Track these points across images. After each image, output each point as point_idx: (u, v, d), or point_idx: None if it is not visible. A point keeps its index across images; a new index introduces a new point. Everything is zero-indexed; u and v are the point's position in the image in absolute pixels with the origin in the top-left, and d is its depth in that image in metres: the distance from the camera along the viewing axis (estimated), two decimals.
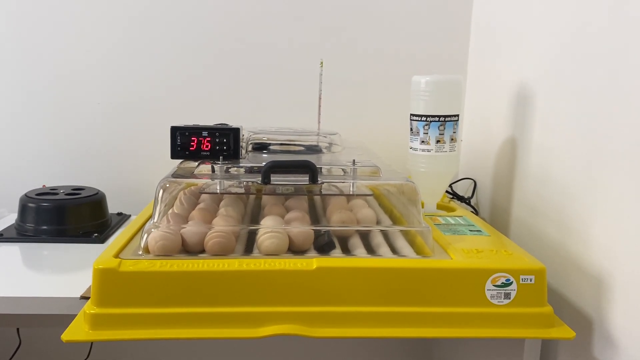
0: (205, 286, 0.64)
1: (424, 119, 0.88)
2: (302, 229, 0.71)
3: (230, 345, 1.28)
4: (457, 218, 0.87)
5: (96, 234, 1.00)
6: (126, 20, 1.16)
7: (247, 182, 0.82)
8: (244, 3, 1.16)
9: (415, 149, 0.90)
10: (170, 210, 0.77)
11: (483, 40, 1.13)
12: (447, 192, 1.07)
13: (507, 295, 0.66)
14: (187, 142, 0.81)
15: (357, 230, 0.76)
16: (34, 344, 1.25)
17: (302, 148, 0.93)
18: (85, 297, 0.73)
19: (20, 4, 1.14)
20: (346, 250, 0.73)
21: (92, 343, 1.17)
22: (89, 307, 0.63)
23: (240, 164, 0.81)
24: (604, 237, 0.70)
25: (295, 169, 0.75)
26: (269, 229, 0.70)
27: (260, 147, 0.91)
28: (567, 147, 0.79)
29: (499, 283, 0.66)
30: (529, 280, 0.66)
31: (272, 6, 1.16)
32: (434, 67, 1.19)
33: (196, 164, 0.81)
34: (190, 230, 0.70)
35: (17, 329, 1.19)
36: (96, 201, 1.05)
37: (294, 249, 0.71)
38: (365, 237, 0.76)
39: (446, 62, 1.19)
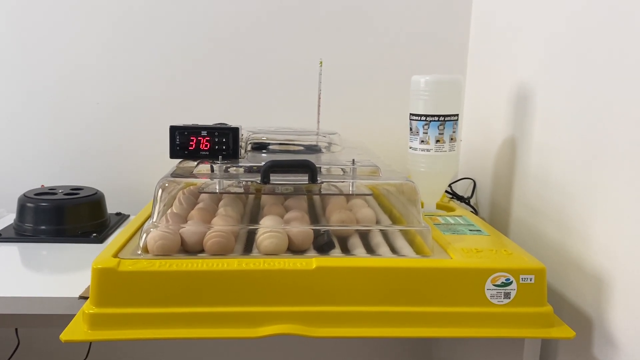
0: (204, 286, 0.64)
1: (423, 118, 0.88)
2: (301, 228, 0.71)
3: (230, 345, 1.28)
4: (456, 218, 0.87)
5: (95, 234, 1.00)
6: (125, 20, 1.15)
7: (247, 181, 0.82)
8: (244, 3, 1.16)
9: (415, 149, 0.90)
10: (169, 210, 0.77)
11: (483, 40, 1.13)
12: (446, 192, 1.07)
13: (507, 295, 0.66)
14: (186, 142, 0.81)
15: (357, 230, 0.76)
16: (32, 344, 1.25)
17: (301, 148, 0.93)
18: (84, 297, 0.73)
19: (19, 3, 1.14)
20: (346, 250, 0.72)
21: (90, 343, 1.17)
22: (87, 307, 0.63)
23: (240, 164, 0.81)
24: (604, 237, 0.70)
25: (295, 169, 0.74)
26: (268, 229, 0.70)
27: (260, 146, 0.91)
28: (567, 147, 0.79)
29: (498, 283, 0.66)
30: (528, 279, 0.66)
31: (271, 5, 1.16)
32: (433, 66, 1.19)
33: (195, 163, 0.81)
34: (190, 229, 0.69)
35: (16, 329, 1.19)
36: (95, 201, 1.04)
37: (294, 249, 0.71)
38: (364, 236, 0.76)
39: (446, 61, 1.19)
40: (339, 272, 0.65)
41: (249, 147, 0.90)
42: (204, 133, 0.81)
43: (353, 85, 1.20)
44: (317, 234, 0.72)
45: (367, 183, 0.82)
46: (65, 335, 0.61)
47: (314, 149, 0.92)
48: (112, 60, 1.17)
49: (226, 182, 0.79)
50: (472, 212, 1.00)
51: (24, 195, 1.02)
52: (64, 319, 0.65)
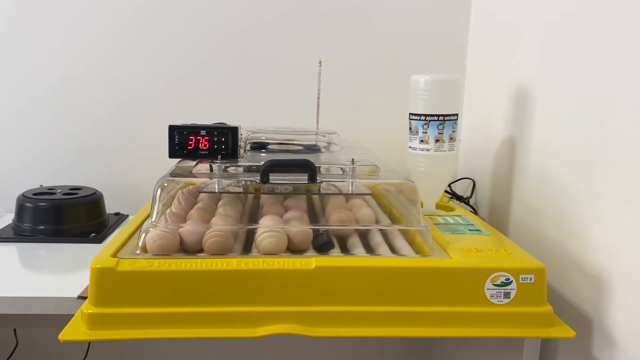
0: (203, 286, 0.63)
1: (423, 118, 0.88)
2: (301, 228, 0.71)
3: (229, 345, 1.28)
4: (456, 217, 0.87)
5: (94, 234, 0.99)
6: (123, 19, 1.15)
7: (246, 181, 0.82)
8: (243, 2, 1.16)
9: (415, 149, 0.90)
10: (168, 210, 0.77)
11: (482, 39, 1.13)
12: (446, 191, 1.07)
13: (506, 295, 0.66)
14: (185, 141, 0.81)
15: (356, 230, 0.76)
16: (31, 344, 1.24)
17: (300, 147, 0.93)
18: (82, 297, 0.72)
19: (19, 3, 1.14)
20: (345, 250, 0.72)
21: (89, 343, 1.16)
22: (86, 307, 0.63)
23: (239, 163, 0.81)
24: (604, 237, 0.70)
25: (294, 168, 0.74)
26: (267, 228, 0.70)
27: (259, 146, 0.91)
28: (567, 147, 0.79)
29: (498, 282, 0.65)
30: (528, 279, 0.66)
31: (271, 5, 1.16)
32: (433, 66, 1.19)
33: (194, 163, 0.81)
34: (189, 229, 0.69)
35: (14, 330, 1.19)
36: (94, 201, 1.04)
37: (293, 249, 0.71)
38: (364, 236, 0.75)
39: (445, 61, 1.19)
40: (339, 272, 0.65)
41: (248, 147, 0.90)
42: (203, 132, 0.81)
43: (352, 85, 1.20)
44: (316, 233, 0.72)
45: (367, 183, 0.82)
46: (64, 335, 0.61)
47: (313, 149, 0.92)
48: (111, 59, 1.17)
49: (225, 182, 0.78)
50: (471, 212, 1.00)
51: (23, 195, 1.02)
52: (63, 319, 0.65)
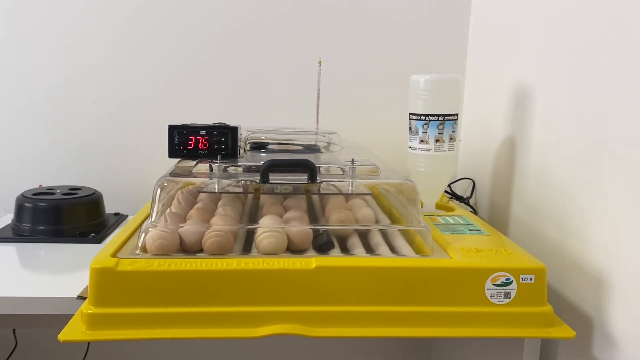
0: (203, 286, 0.63)
1: (423, 118, 0.88)
2: (300, 228, 0.71)
3: (229, 345, 1.27)
4: (456, 217, 0.87)
5: (93, 234, 0.99)
6: (123, 19, 1.15)
7: (246, 181, 0.81)
8: (243, 2, 1.16)
9: (414, 149, 0.90)
10: (168, 210, 0.77)
11: (482, 39, 1.13)
12: (445, 191, 1.06)
13: (507, 295, 0.66)
14: (184, 141, 0.81)
15: (356, 230, 0.76)
16: (30, 344, 1.24)
17: (300, 147, 0.93)
18: (82, 297, 0.72)
19: (19, 3, 1.13)
20: (345, 250, 0.72)
21: (89, 343, 1.16)
22: (86, 307, 0.63)
23: (239, 163, 0.81)
24: (604, 237, 0.70)
25: (294, 168, 0.74)
26: (267, 228, 0.70)
27: (259, 146, 0.91)
28: (567, 147, 0.78)
29: (498, 282, 0.65)
30: (529, 279, 0.66)
31: (270, 5, 1.16)
32: (433, 66, 1.19)
33: (194, 163, 0.81)
34: (188, 229, 0.69)
35: (14, 330, 1.19)
36: (93, 201, 1.04)
37: (293, 249, 0.70)
38: (364, 236, 0.75)
39: (445, 61, 1.19)
40: (339, 272, 0.65)
41: (247, 147, 0.90)
42: (202, 132, 0.81)
43: (352, 85, 1.20)
44: (316, 233, 0.72)
45: (367, 182, 0.82)
46: (64, 336, 0.61)
47: (313, 149, 0.92)
48: (110, 59, 1.17)
49: (225, 182, 0.78)
50: (471, 212, 1.00)
51: (22, 195, 1.02)
52: (62, 319, 0.65)
